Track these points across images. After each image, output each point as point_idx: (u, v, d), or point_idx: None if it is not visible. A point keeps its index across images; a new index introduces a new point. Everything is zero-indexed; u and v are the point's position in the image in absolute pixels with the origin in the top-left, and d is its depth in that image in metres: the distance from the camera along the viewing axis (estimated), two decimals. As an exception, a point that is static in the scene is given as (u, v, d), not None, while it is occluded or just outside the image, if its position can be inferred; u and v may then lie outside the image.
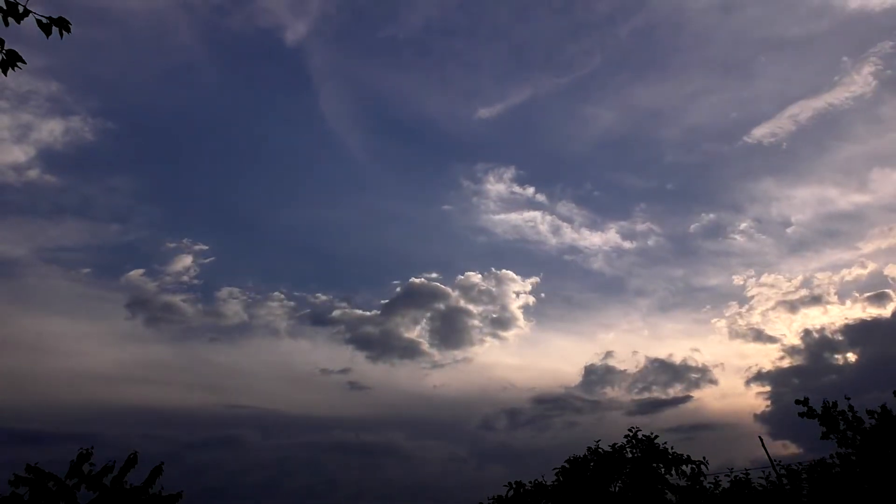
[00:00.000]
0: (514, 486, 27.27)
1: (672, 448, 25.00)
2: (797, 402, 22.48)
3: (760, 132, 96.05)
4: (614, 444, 25.89)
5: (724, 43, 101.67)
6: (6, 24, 5.42)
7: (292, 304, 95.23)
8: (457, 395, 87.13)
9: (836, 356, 76.59)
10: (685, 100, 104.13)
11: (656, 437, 25.50)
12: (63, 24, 5.48)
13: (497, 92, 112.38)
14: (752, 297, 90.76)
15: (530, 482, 27.19)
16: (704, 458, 24.46)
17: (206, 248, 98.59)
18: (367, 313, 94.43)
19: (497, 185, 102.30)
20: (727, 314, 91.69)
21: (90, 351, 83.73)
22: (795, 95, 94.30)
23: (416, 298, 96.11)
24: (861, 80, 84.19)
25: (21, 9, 5.44)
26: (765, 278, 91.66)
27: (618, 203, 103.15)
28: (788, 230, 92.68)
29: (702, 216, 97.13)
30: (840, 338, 78.90)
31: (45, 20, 5.45)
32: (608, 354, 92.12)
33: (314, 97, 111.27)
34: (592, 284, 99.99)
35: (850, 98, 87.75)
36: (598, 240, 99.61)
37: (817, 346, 79.11)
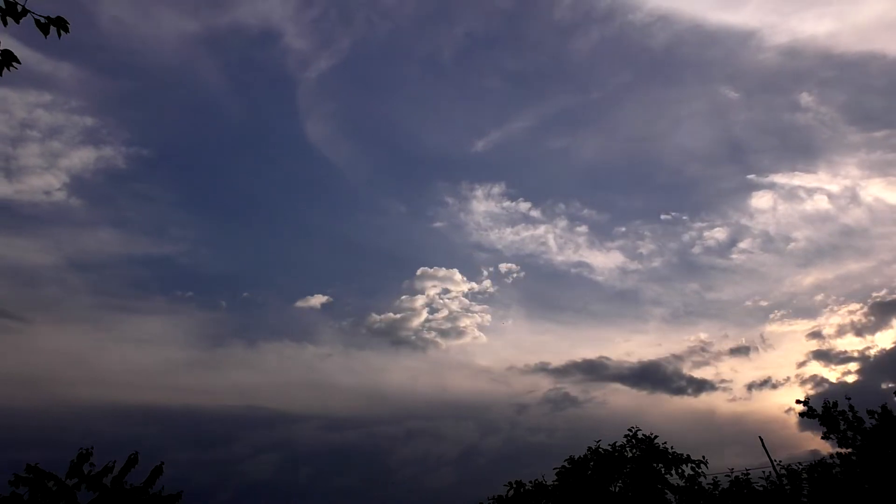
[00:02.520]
0: (514, 485, 27.23)
1: (672, 448, 25.00)
2: (798, 401, 22.48)
3: (747, 151, 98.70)
4: (614, 443, 25.88)
5: (712, 72, 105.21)
6: (5, 23, 5.42)
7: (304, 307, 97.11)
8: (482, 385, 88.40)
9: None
10: (675, 124, 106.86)
11: (656, 437, 25.49)
12: (61, 24, 5.48)
13: (491, 122, 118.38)
14: (775, 302, 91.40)
15: (530, 482, 27.17)
16: (704, 457, 24.46)
17: (231, 258, 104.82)
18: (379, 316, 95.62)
19: (499, 203, 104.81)
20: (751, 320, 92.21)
21: (122, 356, 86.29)
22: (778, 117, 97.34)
23: (425, 294, 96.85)
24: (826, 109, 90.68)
25: (20, 8, 5.44)
26: (779, 289, 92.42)
27: (618, 223, 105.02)
28: (790, 245, 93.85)
29: (704, 234, 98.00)
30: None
31: (42, 20, 5.45)
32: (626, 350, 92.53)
33: (322, 128, 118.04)
34: (604, 297, 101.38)
35: (819, 124, 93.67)
36: (602, 259, 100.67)
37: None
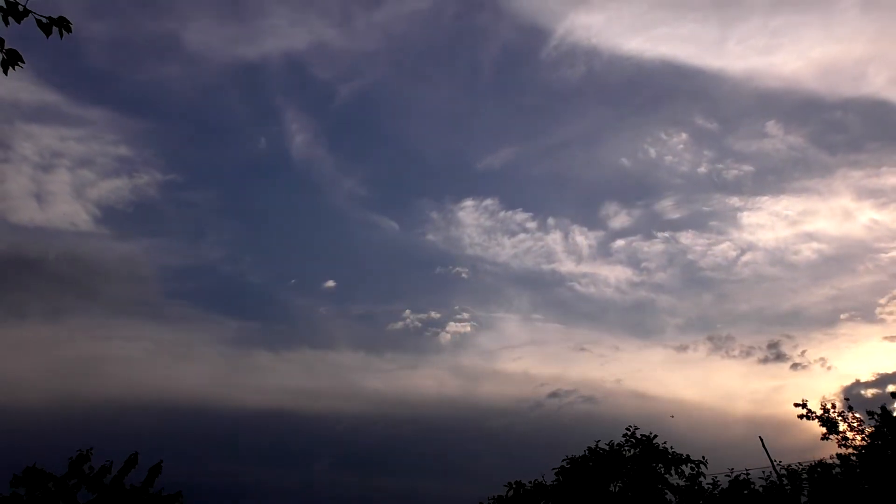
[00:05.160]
0: (513, 486, 27.22)
1: (672, 448, 24.99)
2: (796, 404, 22.49)
3: (731, 175, 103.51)
4: (611, 441, 25.87)
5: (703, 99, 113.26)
6: (6, 23, 5.38)
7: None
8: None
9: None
10: (660, 150, 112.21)
11: (655, 436, 25.47)
12: (63, 24, 5.44)
13: (492, 145, 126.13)
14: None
15: (530, 482, 27.15)
16: (704, 457, 24.46)
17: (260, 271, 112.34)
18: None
19: (494, 215, 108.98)
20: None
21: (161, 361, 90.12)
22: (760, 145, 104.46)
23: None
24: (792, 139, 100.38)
25: (21, 8, 5.40)
26: (793, 300, 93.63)
27: (615, 239, 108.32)
28: (794, 258, 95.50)
29: (707, 251, 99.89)
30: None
31: (44, 20, 5.41)
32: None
33: (335, 152, 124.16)
34: (617, 306, 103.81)
35: (789, 149, 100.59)
36: (608, 271, 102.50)
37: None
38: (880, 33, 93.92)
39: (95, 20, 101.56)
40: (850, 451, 20.91)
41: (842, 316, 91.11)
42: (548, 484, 26.28)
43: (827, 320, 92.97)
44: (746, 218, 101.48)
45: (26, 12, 5.41)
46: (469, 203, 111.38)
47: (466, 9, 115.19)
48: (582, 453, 25.93)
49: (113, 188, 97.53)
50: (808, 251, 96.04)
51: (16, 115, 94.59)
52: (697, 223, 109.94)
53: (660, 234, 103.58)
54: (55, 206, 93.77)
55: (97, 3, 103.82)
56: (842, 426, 21.46)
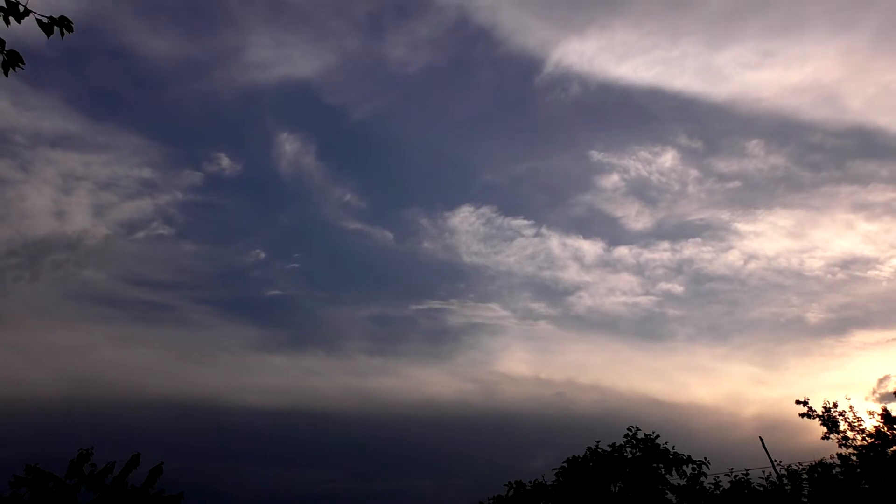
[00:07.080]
0: (514, 485, 27.19)
1: (673, 448, 24.96)
2: (797, 402, 22.50)
3: (724, 187, 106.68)
4: (613, 443, 25.83)
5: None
6: (7, 23, 5.39)
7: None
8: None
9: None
10: (649, 168, 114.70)
11: (657, 436, 25.43)
12: (64, 24, 5.45)
13: (492, 162, 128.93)
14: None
15: (530, 482, 27.12)
16: (706, 458, 24.43)
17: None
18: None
19: (491, 223, 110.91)
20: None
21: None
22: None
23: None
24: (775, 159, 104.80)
25: (22, 8, 5.41)
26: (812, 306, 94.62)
27: (616, 246, 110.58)
28: (799, 266, 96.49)
29: (715, 257, 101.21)
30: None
31: (45, 20, 5.42)
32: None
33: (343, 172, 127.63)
34: (625, 314, 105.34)
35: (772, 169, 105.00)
36: (613, 278, 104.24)
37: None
38: (857, 59, 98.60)
39: (132, 45, 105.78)
40: (851, 451, 20.92)
41: (855, 321, 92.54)
42: (548, 484, 26.26)
43: (838, 328, 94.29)
44: (743, 228, 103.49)
45: (27, 12, 5.42)
46: (468, 209, 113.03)
47: (467, 37, 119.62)
48: (583, 454, 25.92)
49: (136, 208, 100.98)
50: (810, 262, 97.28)
51: (39, 141, 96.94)
52: (696, 233, 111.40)
53: (660, 244, 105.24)
54: (75, 223, 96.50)
55: (130, 29, 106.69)
56: (842, 425, 21.47)
